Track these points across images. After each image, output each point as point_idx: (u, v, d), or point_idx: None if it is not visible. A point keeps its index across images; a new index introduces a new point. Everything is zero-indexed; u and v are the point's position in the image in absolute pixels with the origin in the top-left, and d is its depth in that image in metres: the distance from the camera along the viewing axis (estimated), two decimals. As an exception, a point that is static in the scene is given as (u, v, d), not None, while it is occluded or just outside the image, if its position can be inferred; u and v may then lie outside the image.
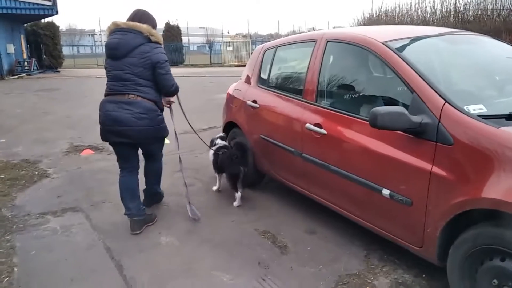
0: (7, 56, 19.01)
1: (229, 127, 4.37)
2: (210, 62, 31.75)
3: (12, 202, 3.89)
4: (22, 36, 22.00)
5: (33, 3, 18.10)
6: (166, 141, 4.99)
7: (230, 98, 4.30)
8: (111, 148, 5.75)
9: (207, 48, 33.45)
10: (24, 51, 21.95)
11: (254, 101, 3.77)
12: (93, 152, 5.76)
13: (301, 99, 3.20)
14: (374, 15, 13.90)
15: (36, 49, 23.09)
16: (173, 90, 3.22)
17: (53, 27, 24.18)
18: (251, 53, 29.06)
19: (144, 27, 3.04)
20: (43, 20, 23.50)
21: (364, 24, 13.49)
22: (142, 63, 3.01)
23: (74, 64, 29.33)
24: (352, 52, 2.97)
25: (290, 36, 3.89)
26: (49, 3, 18.50)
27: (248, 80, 4.09)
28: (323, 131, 2.88)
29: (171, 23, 31.01)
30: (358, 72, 3.06)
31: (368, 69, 3.03)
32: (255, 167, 3.94)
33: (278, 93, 3.56)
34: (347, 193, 2.81)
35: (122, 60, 3.04)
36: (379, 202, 2.51)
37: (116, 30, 3.08)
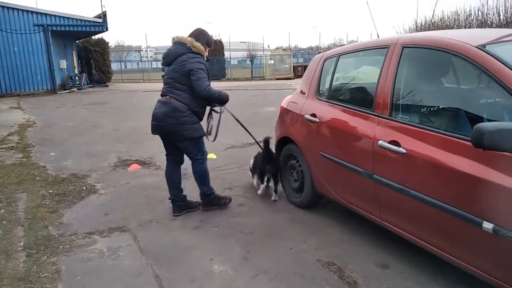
0: (60, 71, 19.86)
1: (283, 142, 4.05)
2: (252, 75, 31.81)
3: (60, 220, 3.75)
4: (74, 52, 23.01)
5: (86, 20, 18.89)
6: (213, 156, 4.74)
7: (285, 112, 3.98)
8: (158, 162, 5.74)
9: (248, 62, 33.56)
10: (76, 66, 22.92)
11: (313, 115, 3.44)
12: (141, 167, 5.62)
13: (372, 113, 2.83)
14: (426, 22, 13.22)
15: (86, 64, 24.06)
16: (205, 95, 3.52)
17: (103, 43, 25.14)
18: (292, 66, 28.93)
19: (188, 39, 3.59)
20: (94, 37, 24.49)
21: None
22: (179, 70, 3.52)
23: (121, 79, 30.33)
24: (435, 59, 2.58)
25: (354, 43, 3.55)
26: (100, 20, 19.21)
27: (305, 93, 3.76)
28: (402, 149, 2.49)
29: (214, 38, 31.40)
30: (444, 81, 2.66)
31: (456, 77, 2.63)
32: (313, 187, 3.58)
33: (342, 106, 3.20)
34: (431, 224, 2.39)
35: (169, 67, 3.63)
36: (477, 237, 2.08)
37: (173, 42, 3.70)
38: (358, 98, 3.16)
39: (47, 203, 4.16)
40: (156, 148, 6.65)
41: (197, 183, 3.85)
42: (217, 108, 3.92)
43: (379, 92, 2.80)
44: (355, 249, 3.04)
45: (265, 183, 4.22)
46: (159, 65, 36.24)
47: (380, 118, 2.75)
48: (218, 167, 5.42)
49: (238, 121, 4.12)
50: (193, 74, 3.46)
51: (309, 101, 3.63)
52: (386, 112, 2.72)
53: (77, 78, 21.45)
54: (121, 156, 6.20)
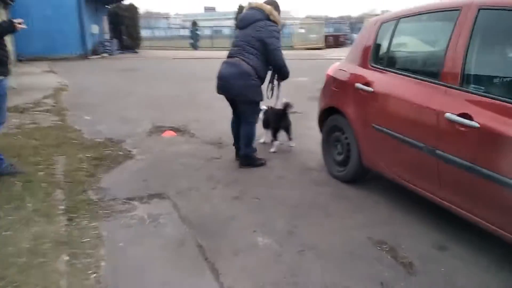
0: (91, 36, 19.87)
1: (328, 113, 3.83)
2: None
3: (98, 184, 3.70)
4: (105, 17, 22.93)
5: (117, -16, 18.65)
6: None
7: (331, 80, 3.74)
8: (192, 130, 5.63)
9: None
10: (107, 31, 22.89)
11: (366, 84, 3.19)
12: (175, 134, 5.52)
13: (438, 83, 2.56)
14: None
15: (117, 30, 24.00)
16: (280, 64, 3.77)
17: (133, 9, 24.90)
18: (324, 36, 27.94)
19: (267, 7, 3.69)
20: (124, 2, 24.33)
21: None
22: (254, 34, 3.63)
23: (150, 46, 30.23)
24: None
25: (417, 5, 3.23)
26: (131, -15, 18.94)
27: (356, 60, 3.50)
28: (474, 123, 2.24)
29: (243, 5, 30.67)
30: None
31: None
32: (360, 161, 3.38)
33: (401, 75, 2.93)
34: (505, 206, 2.17)
35: (243, 30, 3.75)
36: None
37: (249, 7, 3.82)
38: (421, 66, 2.89)
39: (85, 167, 4.12)
40: (190, 115, 6.57)
41: (242, 143, 4.00)
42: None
43: (447, 60, 2.52)
44: (408, 228, 2.85)
45: (278, 140, 4.57)
46: (187, 32, 36.05)
47: (448, 88, 2.49)
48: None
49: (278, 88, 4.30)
50: (271, 42, 3.63)
51: (361, 69, 3.37)
52: (455, 82, 2.45)
53: (108, 43, 21.44)
54: (155, 123, 6.11)
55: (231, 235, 2.80)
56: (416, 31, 3.16)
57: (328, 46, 27.31)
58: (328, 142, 3.86)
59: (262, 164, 4.12)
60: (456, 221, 2.68)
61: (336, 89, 3.63)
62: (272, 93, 4.27)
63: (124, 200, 3.36)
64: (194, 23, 32.88)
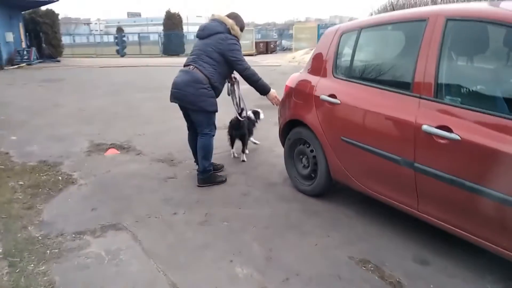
0: (6, 45, 18.14)
1: (290, 125, 3.71)
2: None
3: (39, 217, 3.23)
4: (21, 24, 21.05)
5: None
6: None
7: (293, 92, 3.63)
8: (138, 146, 5.23)
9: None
10: (23, 39, 21.02)
11: (332, 96, 3.11)
12: (119, 152, 5.09)
13: (410, 94, 2.54)
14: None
15: (35, 37, 22.17)
16: (245, 74, 3.74)
17: (52, 15, 23.14)
18: (255, 42, 28.31)
19: (229, 21, 3.69)
20: (42, 8, 22.52)
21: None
22: (214, 45, 3.61)
23: (72, 54, 28.37)
24: (494, 33, 2.31)
25: (378, 15, 3.22)
26: (50, -11, 17.59)
27: (317, 70, 3.42)
28: (455, 136, 2.23)
29: (172, 12, 29.95)
30: (499, 57, 2.41)
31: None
32: (328, 174, 3.30)
33: (369, 86, 2.89)
34: (489, 217, 2.17)
35: (202, 40, 3.72)
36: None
37: (212, 19, 3.82)
38: (389, 77, 2.85)
39: (20, 197, 3.60)
40: (130, 130, 6.13)
41: (199, 157, 3.85)
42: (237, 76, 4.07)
43: (418, 71, 2.50)
44: (386, 243, 2.80)
45: (233, 148, 4.74)
46: (111, 39, 34.42)
47: (422, 100, 2.47)
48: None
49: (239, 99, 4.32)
50: (232, 54, 3.61)
51: (324, 80, 3.29)
52: (429, 94, 2.43)
53: (25, 52, 19.68)
54: (93, 140, 5.60)
55: (206, 268, 2.54)
56: (380, 41, 3.15)
57: (259, 52, 27.59)
58: (292, 155, 3.74)
59: (222, 182, 3.96)
60: (432, 233, 2.69)
61: (299, 101, 3.52)
62: (236, 105, 4.32)
63: (74, 235, 2.95)
64: (120, 29, 31.55)
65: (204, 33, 3.72)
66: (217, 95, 3.78)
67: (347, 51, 3.21)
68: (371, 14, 16.74)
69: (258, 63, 18.66)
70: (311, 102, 3.35)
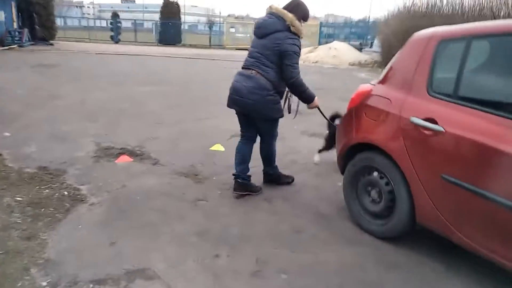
0: (-3, 24, 17.12)
1: (355, 149, 3.05)
2: (210, 43, 29.90)
3: (44, 253, 2.51)
4: (13, 4, 19.91)
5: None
6: (220, 147, 4.80)
7: (364, 108, 2.96)
8: (153, 154, 4.51)
9: (201, 28, 31.40)
10: (15, 20, 19.92)
11: (431, 120, 2.45)
12: (132, 159, 4.36)
13: None
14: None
15: (28, 18, 21.03)
16: (291, 83, 3.26)
17: (46, -5, 22.05)
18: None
19: (289, 16, 3.16)
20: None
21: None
22: (273, 47, 3.16)
23: (65, 37, 27.20)
24: None
25: (493, 21, 2.57)
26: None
27: (400, 85, 2.76)
28: None
29: (170, 0, 29.00)
30: None
31: None
32: (412, 216, 2.65)
33: (491, 113, 2.23)
34: None
35: (260, 40, 3.25)
36: None
37: (268, 12, 3.28)
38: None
39: (19, 220, 2.87)
40: (142, 131, 5.40)
41: (263, 162, 3.76)
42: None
43: None
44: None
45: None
46: (104, 23, 33.12)
47: None
48: (231, 165, 4.30)
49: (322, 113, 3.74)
50: (287, 58, 3.15)
51: (414, 99, 2.63)
52: None
53: (17, 33, 18.62)
54: (101, 142, 4.87)
55: None
56: (505, 55, 2.47)
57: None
58: (355, 185, 3.08)
59: (289, 183, 3.86)
60: None
61: (374, 121, 2.86)
62: (290, 106, 4.12)
63: (92, 285, 2.24)
64: (115, 15, 30.38)
65: (261, 32, 3.25)
66: (281, 98, 3.50)
67: (449, 64, 2.55)
68: (386, 16, 16.11)
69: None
70: (394, 124, 2.69)
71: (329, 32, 30.61)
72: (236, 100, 3.33)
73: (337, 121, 3.77)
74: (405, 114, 2.62)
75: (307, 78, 3.60)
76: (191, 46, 28.57)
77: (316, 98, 3.40)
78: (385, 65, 3.35)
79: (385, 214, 2.86)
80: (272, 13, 3.23)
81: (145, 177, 3.91)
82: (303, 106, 3.66)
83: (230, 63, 15.42)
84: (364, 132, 2.95)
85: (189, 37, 31.18)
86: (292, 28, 3.15)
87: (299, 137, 5.60)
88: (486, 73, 2.45)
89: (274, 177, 3.82)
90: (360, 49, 22.81)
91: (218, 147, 4.90)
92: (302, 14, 3.26)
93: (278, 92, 3.33)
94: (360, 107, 3.01)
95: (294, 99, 3.77)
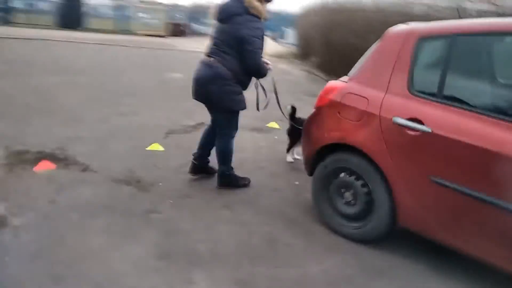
0: None
1: (325, 150, 2.87)
2: (116, 28, 27.75)
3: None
4: None
5: None
6: (158, 146, 4.37)
7: (338, 107, 2.76)
8: (80, 157, 3.87)
9: (104, 11, 29.17)
10: None
11: (415, 120, 2.35)
12: (55, 166, 3.68)
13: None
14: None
15: None
16: (255, 70, 3.10)
17: None
18: (167, 23, 26.47)
19: (246, 2, 2.96)
20: None
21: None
22: (231, 33, 2.98)
23: None
24: None
25: (477, 20, 2.53)
26: None
27: (375, 82, 2.62)
28: None
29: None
30: None
31: None
32: (393, 218, 2.56)
33: (481, 114, 2.17)
34: None
35: (221, 25, 3.08)
36: None
37: None
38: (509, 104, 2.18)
39: None
40: (58, 130, 4.66)
41: (217, 160, 3.41)
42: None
43: None
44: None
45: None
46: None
47: None
48: (175, 167, 3.89)
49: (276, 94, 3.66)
50: (247, 43, 2.93)
51: (394, 98, 2.50)
52: None
53: None
54: (10, 145, 4.04)
55: None
56: (492, 53, 2.41)
57: (170, 34, 25.83)
58: (327, 187, 2.91)
59: (245, 185, 3.53)
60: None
61: (350, 120, 2.69)
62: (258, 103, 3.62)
63: None
64: (6, -7, 26.56)
65: (221, 17, 3.07)
66: (245, 88, 3.22)
67: (430, 61, 2.47)
68: (305, 9, 16.26)
69: (175, 47, 17.08)
70: (373, 124, 2.54)
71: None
72: (197, 91, 3.17)
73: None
74: (386, 114, 2.49)
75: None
76: (94, 30, 26.22)
77: (267, 65, 3.23)
78: (302, 57, 3.37)
79: (361, 216, 2.74)
80: None
81: (76, 187, 3.30)
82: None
83: (140, 50, 14.40)
84: (338, 132, 2.77)
85: (92, 20, 28.61)
86: (251, 10, 2.95)
87: (240, 132, 5.31)
88: (470, 71, 2.40)
89: (229, 179, 3.48)
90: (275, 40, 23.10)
91: (156, 146, 4.40)
92: None
93: (239, 82, 3.11)
94: (331, 105, 2.82)
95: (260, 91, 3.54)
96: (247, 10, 2.95)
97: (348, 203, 2.80)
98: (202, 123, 5.37)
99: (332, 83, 2.94)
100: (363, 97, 2.63)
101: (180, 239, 2.66)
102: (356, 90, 2.70)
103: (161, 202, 3.17)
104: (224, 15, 3.03)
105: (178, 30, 28.07)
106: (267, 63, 3.21)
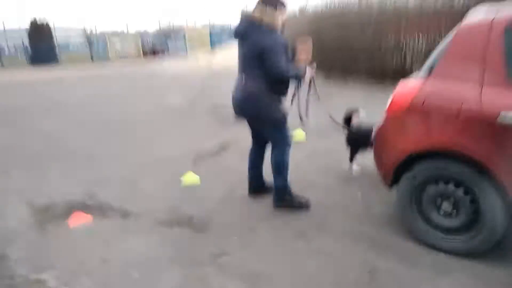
0: None
1: (411, 158, 2.55)
2: (92, 58, 27.14)
3: None
4: None
5: None
6: (193, 178, 3.94)
7: (424, 109, 2.42)
8: (114, 202, 3.52)
9: (83, 46, 28.76)
10: None
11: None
12: (91, 216, 3.28)
13: None
14: None
15: None
16: (281, 77, 2.97)
17: None
18: (140, 48, 26.24)
19: (256, 16, 2.94)
20: None
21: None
22: (251, 48, 2.94)
23: None
24: None
25: None
26: None
27: (464, 76, 2.31)
28: None
29: (39, 22, 26.21)
30: None
31: None
32: (506, 228, 2.24)
33: None
34: None
35: (242, 41, 3.04)
36: None
37: (241, 18, 3.09)
38: None
39: None
40: (81, 175, 4.25)
41: (273, 173, 3.24)
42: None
43: None
44: None
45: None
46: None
47: None
48: (220, 197, 3.53)
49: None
50: (267, 52, 2.88)
51: (493, 90, 2.20)
52: None
53: None
54: (32, 200, 3.63)
55: None
56: None
57: (147, 56, 26.27)
58: (417, 199, 2.57)
59: (302, 205, 3.23)
60: None
61: (445, 123, 2.35)
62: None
63: None
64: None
65: (238, 35, 3.06)
66: (283, 94, 3.10)
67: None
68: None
69: (156, 70, 16.65)
70: (476, 123, 2.23)
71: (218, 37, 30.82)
72: (235, 108, 3.19)
73: (355, 120, 3.64)
74: (490, 109, 2.17)
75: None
76: (70, 64, 25.59)
77: (305, 66, 3.14)
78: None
79: (465, 227, 2.41)
80: (243, 18, 3.04)
81: (124, 239, 2.92)
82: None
83: (124, 80, 13.99)
84: (428, 138, 2.43)
85: (66, 55, 27.94)
86: (263, 23, 2.91)
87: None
88: None
89: (285, 196, 3.26)
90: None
91: (190, 176, 4.00)
92: (276, 2, 2.93)
93: (274, 91, 3.01)
94: (412, 109, 2.48)
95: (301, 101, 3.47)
96: (260, 26, 2.92)
97: (447, 215, 2.47)
98: (227, 142, 5.04)
99: (405, 85, 2.61)
100: (455, 94, 2.32)
101: (267, 286, 2.29)
102: (443, 88, 2.38)
103: (225, 241, 2.80)
104: (241, 33, 3.03)
105: (154, 52, 27.86)
106: (301, 62, 3.12)
